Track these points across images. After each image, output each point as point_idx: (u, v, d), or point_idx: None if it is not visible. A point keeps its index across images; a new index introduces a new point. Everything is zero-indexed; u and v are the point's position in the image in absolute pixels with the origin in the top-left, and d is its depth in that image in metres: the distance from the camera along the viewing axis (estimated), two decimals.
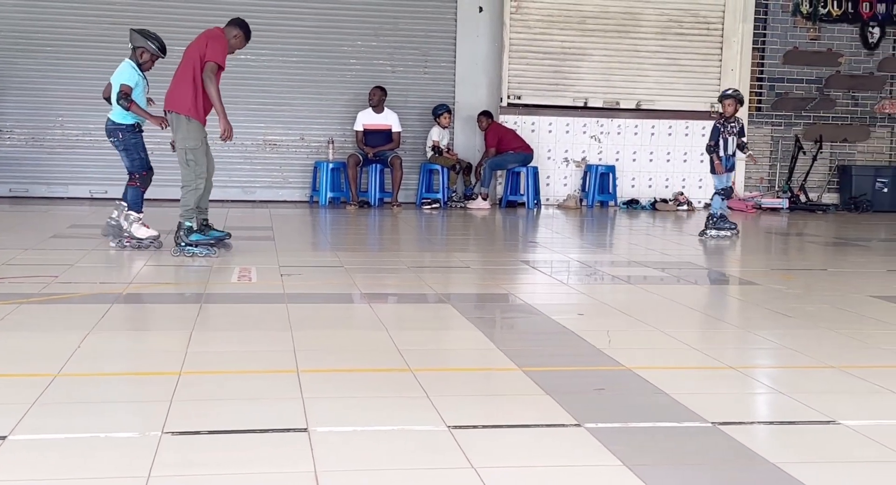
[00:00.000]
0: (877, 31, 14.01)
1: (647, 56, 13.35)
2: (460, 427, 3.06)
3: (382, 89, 12.32)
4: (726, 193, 9.51)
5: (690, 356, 4.24)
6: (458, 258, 7.68)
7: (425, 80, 13.12)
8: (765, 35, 13.82)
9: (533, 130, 13.14)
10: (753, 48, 13.71)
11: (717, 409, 3.36)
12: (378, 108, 12.28)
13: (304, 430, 3.00)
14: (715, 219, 9.47)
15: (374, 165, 12.32)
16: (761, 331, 4.95)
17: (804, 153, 13.64)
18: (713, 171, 9.51)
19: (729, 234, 9.40)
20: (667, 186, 13.56)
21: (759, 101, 13.95)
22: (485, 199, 12.45)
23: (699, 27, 13.46)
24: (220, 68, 7.08)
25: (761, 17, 13.74)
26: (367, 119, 12.29)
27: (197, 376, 3.68)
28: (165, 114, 7.20)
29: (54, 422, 3.07)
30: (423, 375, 3.72)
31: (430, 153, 12.57)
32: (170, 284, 6.25)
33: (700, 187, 13.64)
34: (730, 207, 13.25)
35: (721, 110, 9.61)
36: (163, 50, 7.39)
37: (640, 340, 4.59)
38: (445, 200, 12.52)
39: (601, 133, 13.37)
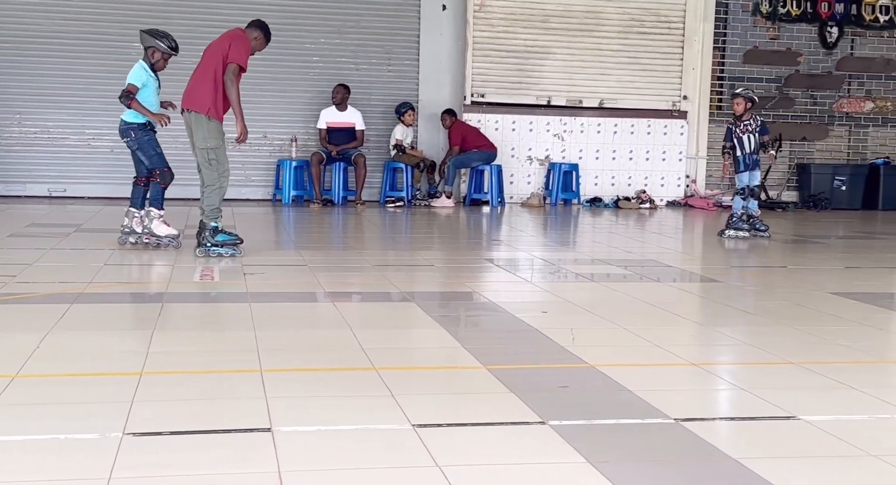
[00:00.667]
0: (835, 30, 14.20)
1: (609, 55, 13.43)
2: (425, 426, 3.05)
3: (346, 87, 12.29)
4: (751, 192, 9.36)
5: (653, 353, 4.27)
6: (423, 257, 7.67)
7: (389, 77, 13.10)
8: (725, 34, 13.96)
9: (496, 129, 13.17)
10: (714, 47, 13.85)
11: (680, 405, 3.38)
12: (341, 106, 12.24)
13: (268, 430, 2.98)
14: (734, 219, 9.38)
15: (337, 164, 12.28)
16: (723, 328, 5.00)
17: (764, 151, 13.77)
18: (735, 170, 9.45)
19: (747, 235, 9.26)
20: (629, 185, 13.65)
21: (720, 100, 14.08)
22: (449, 197, 12.45)
23: (661, 26, 13.56)
24: (242, 70, 7.03)
25: (722, 16, 13.87)
26: (331, 117, 12.25)
27: (158, 376, 3.64)
28: (183, 112, 7.13)
29: (13, 424, 3.03)
30: (388, 373, 3.71)
31: (393, 152, 12.55)
32: (131, 284, 6.18)
33: (662, 185, 13.75)
34: (690, 205, 13.44)
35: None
36: (174, 48, 7.36)
37: (604, 338, 4.61)
38: (409, 198, 12.51)
39: (564, 131, 13.43)
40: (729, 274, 7.04)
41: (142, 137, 7.32)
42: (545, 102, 13.34)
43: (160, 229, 7.35)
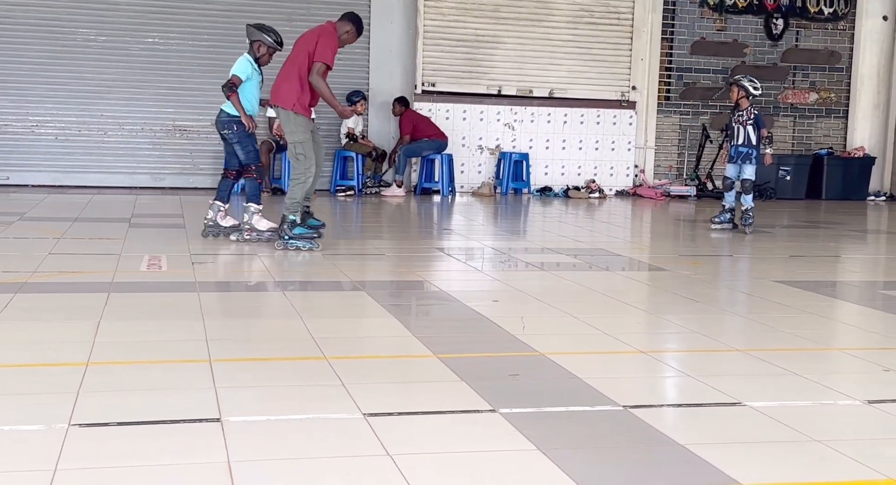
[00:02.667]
0: (780, 22, 14.41)
1: (559, 45, 13.48)
2: (376, 415, 3.05)
3: None
4: (742, 186, 9.15)
5: (602, 341, 4.31)
6: (373, 246, 7.65)
7: (339, 66, 12.84)
8: (673, 25, 14.09)
9: (447, 118, 13.16)
10: (662, 38, 13.97)
11: (628, 392, 3.42)
12: None
13: (217, 420, 2.96)
14: (720, 211, 9.31)
15: (287, 152, 12.17)
16: (670, 316, 5.06)
17: (711, 142, 13.95)
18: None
19: (719, 227, 9.20)
20: (579, 174, 13.73)
21: (668, 91, 14.22)
22: (399, 186, 12.43)
23: (610, 17, 13.64)
24: (328, 68, 7.04)
25: (670, 7, 14.00)
26: None
27: (105, 366, 3.59)
28: (271, 107, 7.21)
29: None
30: (339, 363, 3.70)
31: (344, 140, 12.48)
32: (76, 273, 6.08)
33: (611, 175, 13.86)
34: (639, 195, 13.56)
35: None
36: (280, 43, 7.37)
37: (554, 326, 4.64)
38: (360, 187, 12.47)
39: (515, 121, 13.47)
40: (676, 263, 7.12)
41: (242, 131, 7.31)
42: (496, 92, 13.36)
43: (261, 224, 7.33)
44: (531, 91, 13.46)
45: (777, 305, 5.33)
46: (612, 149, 13.84)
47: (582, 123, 13.69)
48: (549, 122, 13.58)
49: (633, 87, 13.81)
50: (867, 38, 14.63)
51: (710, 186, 13.82)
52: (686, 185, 13.97)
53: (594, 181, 13.60)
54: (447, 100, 13.18)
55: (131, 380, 3.44)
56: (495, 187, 13.21)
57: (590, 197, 13.23)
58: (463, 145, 13.27)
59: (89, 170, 12.34)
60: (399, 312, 4.91)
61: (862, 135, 14.81)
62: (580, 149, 13.73)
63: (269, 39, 7.32)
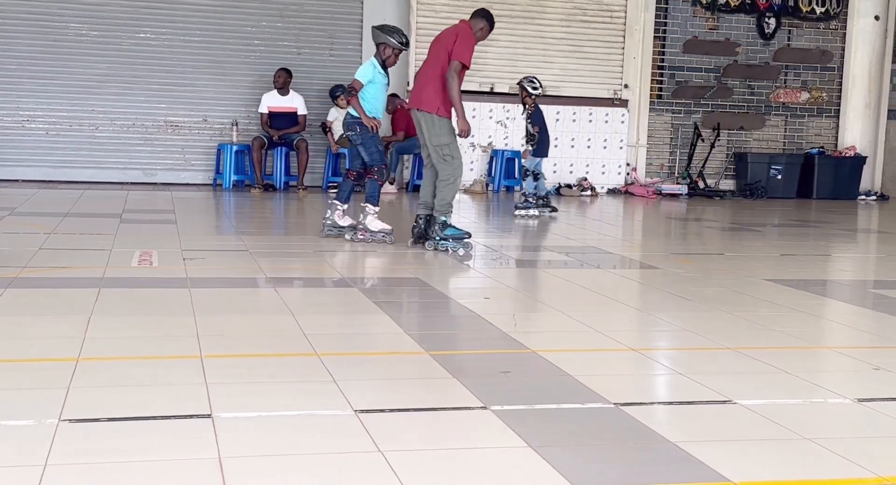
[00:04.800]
0: (772, 21, 14.43)
1: (552, 42, 13.49)
2: (367, 411, 3.05)
3: (287, 71, 12.17)
4: (531, 175, 10.14)
5: (593, 339, 4.31)
6: (365, 242, 7.64)
7: (331, 62, 13.00)
8: (665, 24, 14.10)
9: None
10: (655, 37, 13.99)
11: (619, 390, 3.43)
12: (283, 90, 12.13)
13: (209, 416, 2.96)
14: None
15: (279, 148, 12.17)
16: (661, 314, 5.07)
17: (702, 140, 13.98)
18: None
19: (523, 213, 9.94)
20: (571, 172, 13.74)
21: (660, 90, 14.24)
22: (392, 183, 12.42)
23: (603, 15, 13.65)
24: (465, 67, 7.00)
25: (662, 6, 14.01)
26: (272, 101, 12.13)
27: (96, 362, 3.59)
28: (411, 111, 7.20)
29: None
30: (330, 359, 3.70)
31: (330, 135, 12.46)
32: (66, 268, 6.07)
33: (603, 173, 13.88)
34: (631, 193, 13.58)
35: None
36: (405, 44, 7.33)
37: (545, 324, 4.65)
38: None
39: (507, 118, 13.47)
40: (667, 261, 7.14)
41: (366, 133, 7.31)
42: (488, 89, 13.36)
43: (374, 225, 7.33)
44: None
45: (767, 304, 5.35)
46: (604, 147, 13.85)
47: (574, 120, 13.70)
48: None
49: (626, 86, 13.83)
50: (859, 37, 14.67)
51: (701, 184, 13.85)
52: (678, 183, 13.99)
53: (586, 179, 13.61)
54: None
55: (122, 376, 3.44)
56: (487, 185, 13.21)
57: (581, 195, 13.24)
58: None
59: (80, 165, 12.31)
60: (391, 309, 4.91)
61: (853, 134, 14.85)
62: (572, 147, 13.74)
63: (394, 41, 7.27)
